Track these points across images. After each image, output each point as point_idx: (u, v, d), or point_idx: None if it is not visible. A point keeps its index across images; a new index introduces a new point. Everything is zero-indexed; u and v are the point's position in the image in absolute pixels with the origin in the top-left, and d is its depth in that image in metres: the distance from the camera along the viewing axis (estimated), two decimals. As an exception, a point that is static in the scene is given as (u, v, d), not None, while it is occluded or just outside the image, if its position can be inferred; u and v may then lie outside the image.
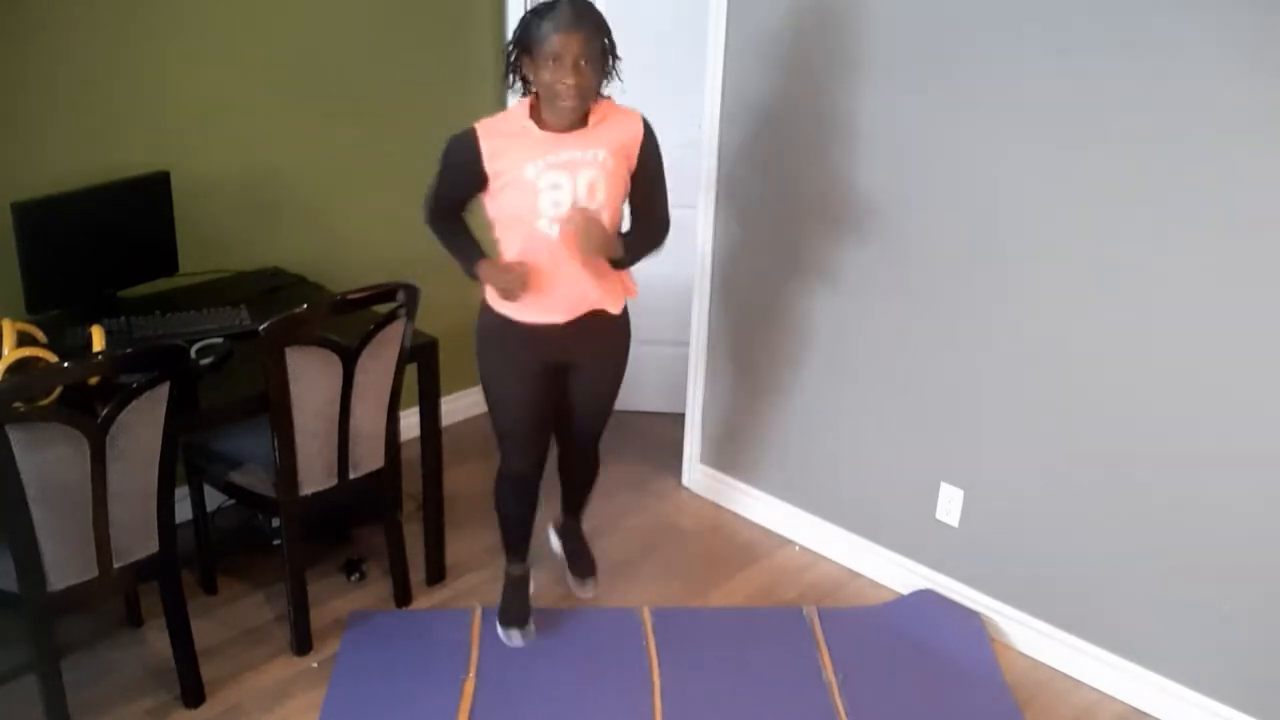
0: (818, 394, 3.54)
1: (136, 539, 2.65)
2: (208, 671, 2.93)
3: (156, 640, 3.01)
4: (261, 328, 2.71)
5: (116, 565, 2.61)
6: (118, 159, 3.19)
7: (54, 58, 3.04)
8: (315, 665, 3.05)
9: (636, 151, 2.71)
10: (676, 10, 3.85)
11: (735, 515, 3.87)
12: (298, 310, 2.77)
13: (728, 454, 3.89)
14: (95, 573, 2.57)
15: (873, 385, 3.39)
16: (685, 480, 4.04)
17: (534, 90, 2.65)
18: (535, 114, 2.65)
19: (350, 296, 2.88)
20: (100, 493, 2.49)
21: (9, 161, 3.02)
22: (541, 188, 2.62)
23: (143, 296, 3.28)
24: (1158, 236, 2.73)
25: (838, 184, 3.30)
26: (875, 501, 3.49)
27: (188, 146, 3.35)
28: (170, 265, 3.30)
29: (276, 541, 3.21)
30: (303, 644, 3.08)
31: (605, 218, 2.68)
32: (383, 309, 2.93)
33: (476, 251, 2.78)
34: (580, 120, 2.65)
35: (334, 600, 3.30)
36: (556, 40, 2.50)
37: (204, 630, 3.06)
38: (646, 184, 2.78)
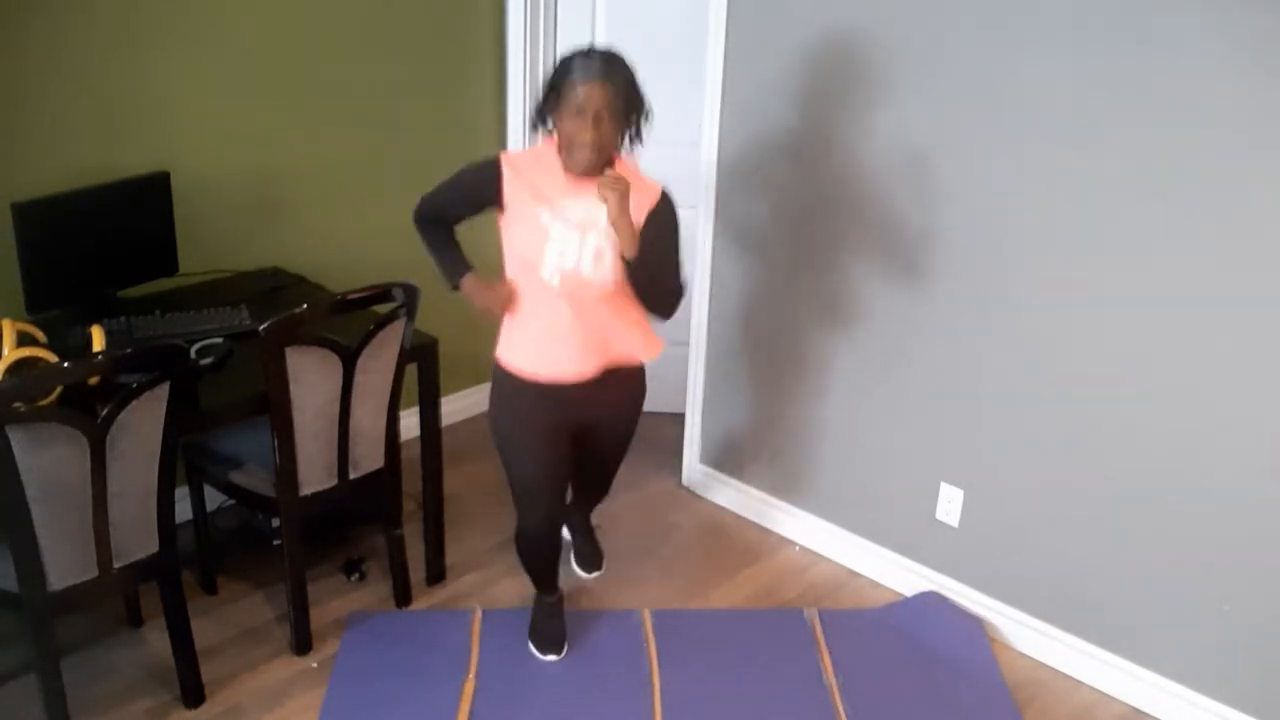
0: (818, 394, 3.54)
1: (136, 539, 2.64)
2: (208, 671, 2.93)
3: (156, 640, 3.01)
4: (261, 328, 2.71)
5: (116, 565, 2.61)
6: (118, 159, 3.19)
7: (54, 58, 3.04)
8: (315, 665, 3.04)
9: (642, 222, 2.59)
10: (677, 10, 3.85)
11: (735, 515, 3.87)
12: (298, 310, 2.77)
13: (728, 454, 3.89)
14: (95, 573, 2.57)
15: (873, 385, 3.39)
16: (685, 480, 4.04)
17: (554, 135, 2.60)
18: (559, 156, 2.60)
19: (350, 296, 2.88)
20: (100, 493, 2.49)
21: (9, 161, 3.02)
22: (552, 236, 2.58)
23: (143, 296, 3.28)
24: (1158, 237, 2.73)
25: (838, 184, 3.30)
26: (875, 501, 3.48)
27: (188, 146, 3.35)
28: (170, 265, 3.30)
29: (276, 541, 3.21)
30: (303, 644, 3.08)
31: (611, 280, 2.62)
32: (383, 309, 2.93)
33: (463, 265, 2.74)
34: (600, 171, 2.56)
35: (334, 600, 3.30)
36: (581, 90, 2.47)
37: (204, 630, 3.05)
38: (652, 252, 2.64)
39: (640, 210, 2.58)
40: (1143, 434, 2.87)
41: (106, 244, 3.13)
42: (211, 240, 3.45)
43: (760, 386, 3.71)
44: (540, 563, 3.06)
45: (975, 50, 2.92)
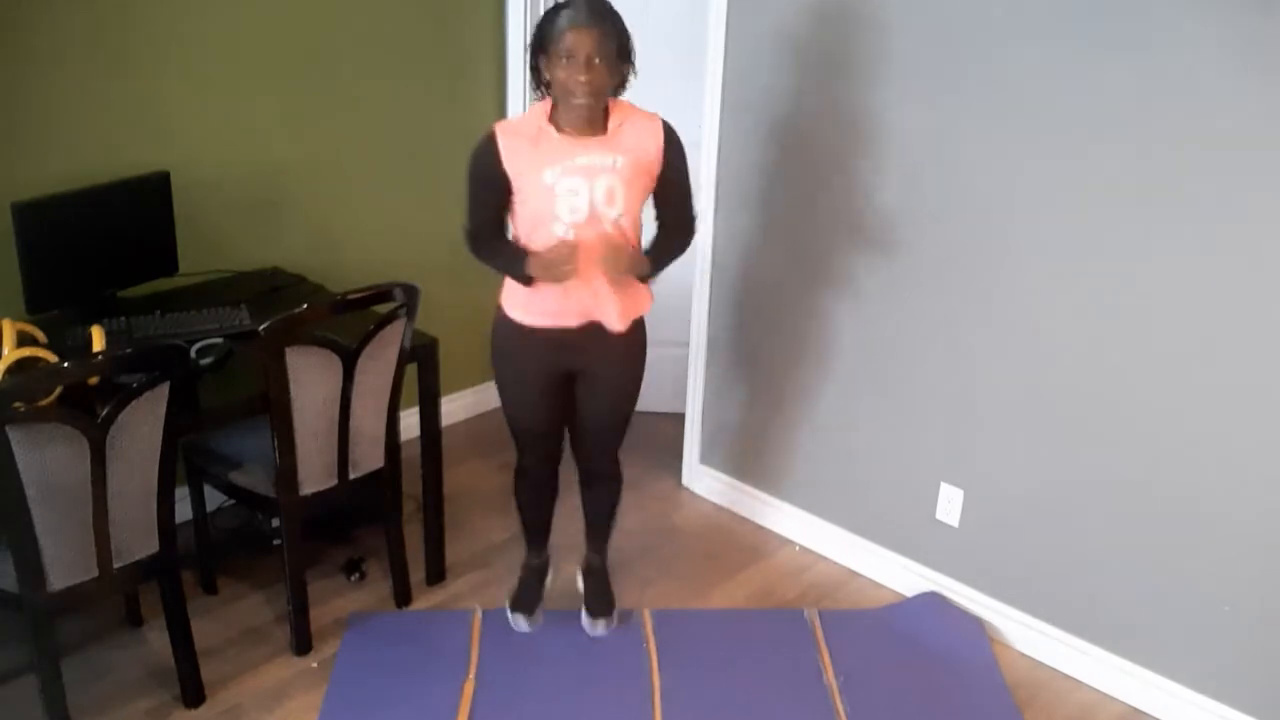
0: (818, 394, 3.54)
1: (136, 539, 2.64)
2: (208, 671, 2.93)
3: (156, 640, 3.01)
4: (261, 328, 2.71)
5: (116, 565, 2.61)
6: (118, 159, 3.19)
7: (54, 58, 3.04)
8: (315, 665, 3.04)
9: (659, 158, 2.70)
10: (677, 9, 3.85)
11: (735, 515, 3.87)
12: (298, 310, 2.77)
13: (728, 454, 3.89)
14: (95, 573, 2.57)
15: (873, 385, 3.39)
16: (685, 480, 4.04)
17: (551, 92, 2.64)
18: (553, 117, 2.65)
19: (350, 296, 2.88)
20: (100, 493, 2.49)
21: (9, 161, 3.02)
22: (559, 193, 2.62)
23: (143, 296, 3.27)
24: (1159, 237, 2.73)
25: (837, 184, 3.30)
26: (875, 501, 3.48)
27: (188, 146, 3.35)
28: (170, 265, 3.30)
29: (276, 541, 3.21)
30: (303, 644, 3.08)
31: (625, 224, 2.68)
32: (383, 309, 2.93)
33: (521, 254, 2.72)
34: (599, 125, 2.64)
35: (334, 600, 3.30)
36: (570, 37, 2.50)
37: (204, 630, 3.05)
38: (670, 188, 2.77)
39: (645, 141, 2.67)
40: (1143, 434, 2.86)
41: (106, 244, 3.13)
42: (211, 240, 3.45)
43: (760, 386, 3.71)
44: (535, 502, 3.13)
45: (975, 52, 2.92)
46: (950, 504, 3.29)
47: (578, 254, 2.63)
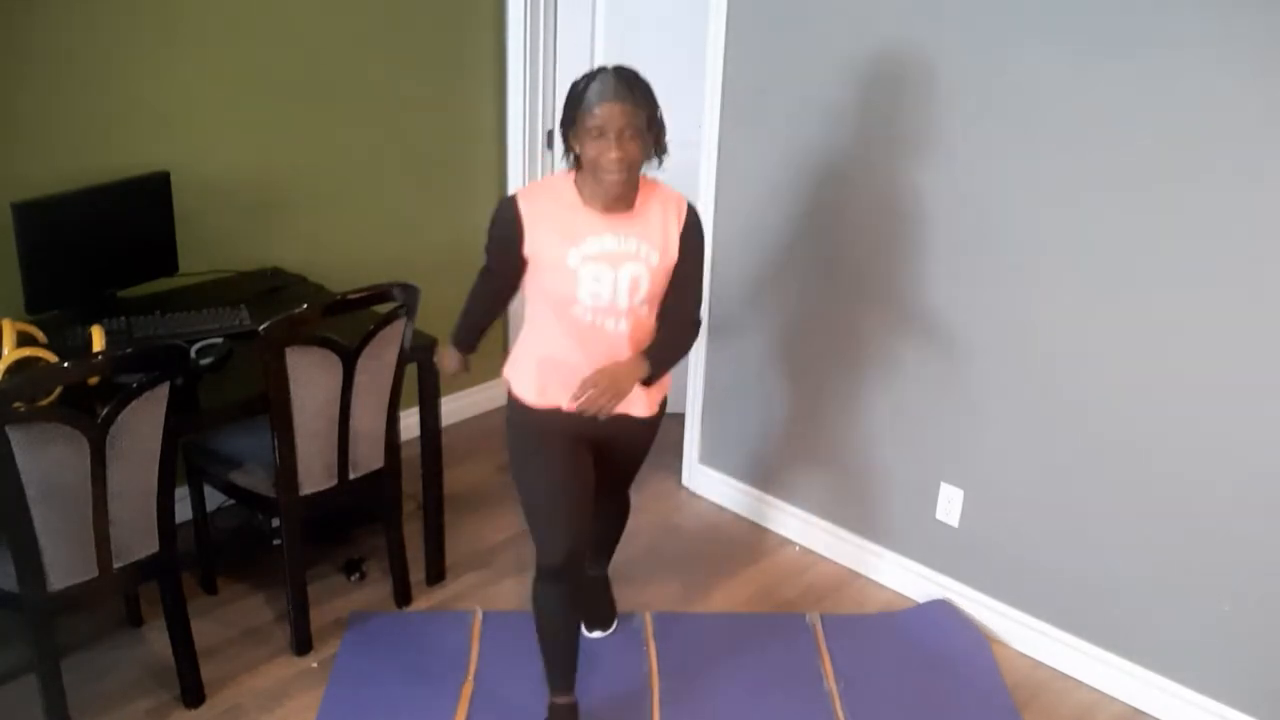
0: (818, 394, 3.54)
1: (136, 539, 2.64)
2: (208, 671, 2.93)
3: (156, 640, 3.01)
4: (261, 328, 2.71)
5: (116, 565, 2.61)
6: (118, 159, 3.19)
7: (54, 58, 3.04)
8: (315, 665, 3.04)
9: (678, 243, 2.53)
10: (677, 9, 3.85)
11: (735, 515, 3.87)
12: (298, 310, 2.77)
13: (728, 454, 3.89)
14: (95, 573, 2.57)
15: (873, 385, 3.39)
16: (685, 480, 4.04)
17: (580, 166, 2.48)
18: (579, 189, 2.49)
19: (350, 296, 2.88)
20: (100, 493, 2.49)
21: (9, 161, 3.02)
22: (582, 278, 2.47)
23: (143, 296, 3.28)
24: (1159, 237, 2.73)
25: (838, 184, 3.30)
26: (875, 501, 3.48)
27: (188, 146, 3.35)
28: (170, 265, 3.30)
29: (276, 541, 3.21)
30: (303, 644, 3.08)
31: (644, 312, 2.55)
32: (383, 309, 2.93)
33: (468, 333, 2.76)
34: (627, 201, 2.48)
35: (334, 600, 3.30)
36: (600, 111, 2.34)
37: (204, 630, 3.06)
38: (682, 280, 2.58)
39: (669, 226, 2.52)
40: (1142, 434, 2.86)
41: (106, 244, 3.13)
42: (211, 240, 3.45)
43: (760, 387, 3.71)
44: (560, 619, 2.68)
45: (975, 50, 2.92)
46: (950, 504, 3.29)
47: (447, 374, 2.78)
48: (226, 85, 3.40)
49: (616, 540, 3.19)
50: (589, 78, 2.38)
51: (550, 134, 4.14)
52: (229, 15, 3.35)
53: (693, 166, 3.62)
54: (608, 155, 2.36)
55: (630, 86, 2.36)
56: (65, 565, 2.51)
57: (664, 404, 2.78)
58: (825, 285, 3.42)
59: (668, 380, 2.72)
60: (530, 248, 2.48)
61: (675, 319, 2.61)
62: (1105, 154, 2.77)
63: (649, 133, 2.41)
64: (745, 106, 3.48)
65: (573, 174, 2.51)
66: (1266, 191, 2.55)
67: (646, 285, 2.50)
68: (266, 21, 3.44)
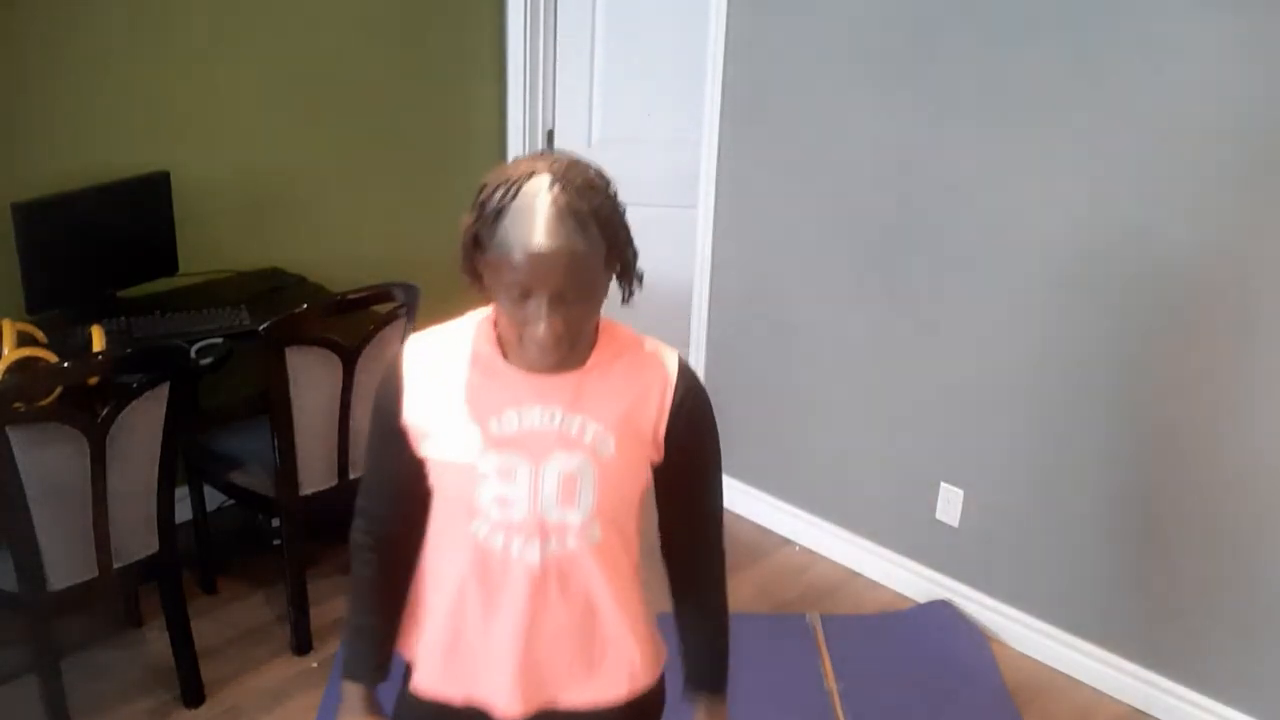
0: (817, 393, 3.54)
1: (136, 539, 2.64)
2: (208, 671, 2.93)
3: (156, 640, 3.01)
4: (261, 328, 2.71)
5: (116, 565, 2.61)
6: (118, 159, 3.19)
7: (54, 58, 3.04)
8: (315, 665, 3.04)
9: (663, 433, 1.56)
10: (676, 8, 3.85)
11: (735, 515, 3.87)
12: (298, 310, 2.77)
13: (727, 454, 3.85)
14: (95, 573, 2.57)
15: (872, 384, 3.39)
16: (685, 480, 4.04)
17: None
18: (496, 335, 1.56)
19: (350, 296, 2.88)
20: (100, 493, 2.49)
21: (9, 161, 3.02)
22: (484, 472, 1.52)
23: (143, 296, 3.28)
24: (1158, 237, 2.73)
25: (837, 184, 3.30)
26: (875, 501, 3.48)
27: (188, 146, 3.35)
28: (170, 265, 3.30)
29: (276, 541, 3.21)
30: (303, 644, 3.08)
31: (601, 538, 1.57)
32: (383, 309, 2.93)
33: (370, 654, 1.68)
34: (573, 357, 1.52)
35: (334, 600, 3.30)
36: (526, 264, 1.38)
37: (204, 630, 3.05)
38: (683, 497, 1.65)
39: (646, 402, 1.55)
40: (1142, 434, 2.86)
41: (106, 244, 3.13)
42: (211, 240, 3.45)
43: (760, 386, 3.71)
44: None
45: (975, 49, 2.92)
46: (950, 504, 3.29)
47: None
48: (227, 85, 3.40)
49: None
50: (509, 186, 1.41)
51: (550, 134, 4.14)
52: (229, 15, 3.35)
53: (693, 166, 3.62)
54: (535, 330, 1.42)
55: (579, 217, 1.39)
56: (65, 565, 2.51)
57: (658, 686, 1.87)
58: (826, 284, 3.42)
59: (650, 641, 1.84)
60: (413, 423, 1.57)
61: (684, 561, 1.76)
62: (1110, 159, 2.76)
63: (605, 272, 1.46)
64: (745, 106, 3.48)
65: (491, 317, 1.58)
66: (1272, 193, 2.55)
67: (593, 492, 1.52)
68: (267, 21, 3.44)
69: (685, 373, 1.57)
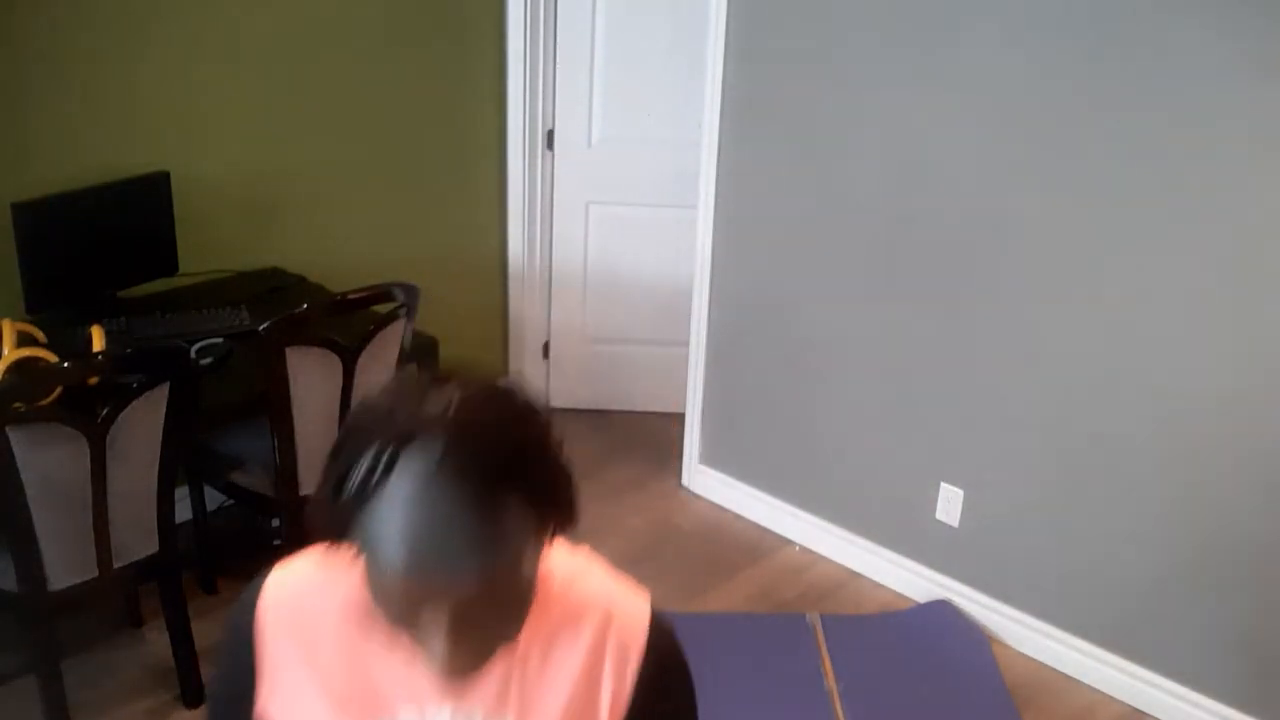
0: (818, 393, 3.54)
1: (136, 539, 2.64)
2: (207, 671, 2.92)
3: (156, 640, 3.01)
4: (261, 328, 2.71)
5: (116, 565, 2.61)
6: (118, 159, 3.19)
7: (54, 58, 3.04)
8: (315, 665, 3.04)
9: (622, 707, 1.19)
10: (676, 8, 3.85)
11: (735, 515, 3.87)
12: (298, 310, 2.77)
13: (728, 454, 3.89)
14: (95, 573, 2.57)
15: (872, 385, 3.39)
16: (685, 480, 4.04)
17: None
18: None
19: (350, 296, 2.88)
20: (100, 493, 2.49)
21: (9, 161, 3.02)
22: None
23: (143, 296, 3.27)
24: (1158, 238, 2.73)
25: (838, 183, 3.30)
26: (875, 501, 3.48)
27: (188, 146, 3.35)
28: (170, 265, 3.30)
29: (276, 541, 3.21)
30: (303, 644, 3.07)
31: None
32: (383, 309, 2.93)
33: None
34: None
35: (334, 600, 3.30)
36: (403, 589, 1.02)
37: (204, 630, 3.05)
38: None
39: (592, 681, 1.18)
40: (1142, 433, 2.86)
41: (106, 244, 3.13)
42: (211, 240, 3.45)
43: (760, 386, 3.71)
44: None
45: (975, 47, 2.92)
46: (950, 504, 3.29)
47: None
48: (227, 85, 3.40)
49: None
50: (379, 457, 1.01)
51: (550, 134, 4.14)
52: (229, 16, 3.34)
53: (693, 166, 3.62)
54: (431, 647, 1.05)
55: (485, 506, 1.00)
56: (65, 565, 2.51)
57: None
58: (826, 284, 3.42)
59: None
60: (270, 712, 1.21)
61: None
62: (1112, 155, 2.76)
63: (538, 541, 1.08)
64: (745, 106, 3.48)
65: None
66: (1273, 194, 2.55)
67: None
68: (267, 21, 3.44)
69: (657, 637, 1.19)
